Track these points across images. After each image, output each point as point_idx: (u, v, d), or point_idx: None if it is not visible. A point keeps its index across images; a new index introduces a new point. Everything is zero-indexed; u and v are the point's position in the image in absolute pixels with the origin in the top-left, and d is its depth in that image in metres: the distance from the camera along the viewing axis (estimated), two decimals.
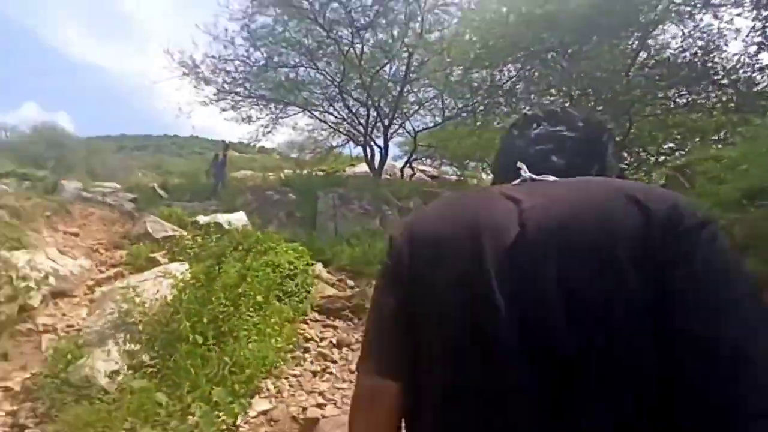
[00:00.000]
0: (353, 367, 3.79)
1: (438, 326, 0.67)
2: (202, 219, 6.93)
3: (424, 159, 21.42)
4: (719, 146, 11.74)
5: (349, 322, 5.18)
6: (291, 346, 3.94)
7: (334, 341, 4.35)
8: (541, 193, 0.68)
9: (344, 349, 4.19)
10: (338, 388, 3.33)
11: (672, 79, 10.67)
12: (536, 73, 12.25)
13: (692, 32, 10.69)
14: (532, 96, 13.60)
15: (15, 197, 6.54)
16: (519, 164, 0.78)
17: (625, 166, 13.59)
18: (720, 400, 0.52)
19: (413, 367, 0.69)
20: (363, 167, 17.98)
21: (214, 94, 14.01)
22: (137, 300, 3.80)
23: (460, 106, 15.14)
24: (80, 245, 5.93)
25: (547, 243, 0.61)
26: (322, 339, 4.39)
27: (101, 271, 5.33)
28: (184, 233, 6.42)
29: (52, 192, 9.81)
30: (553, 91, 13.31)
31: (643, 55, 11.16)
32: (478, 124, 14.99)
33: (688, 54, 10.71)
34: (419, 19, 13.27)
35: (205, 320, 3.54)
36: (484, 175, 22.67)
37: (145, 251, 5.77)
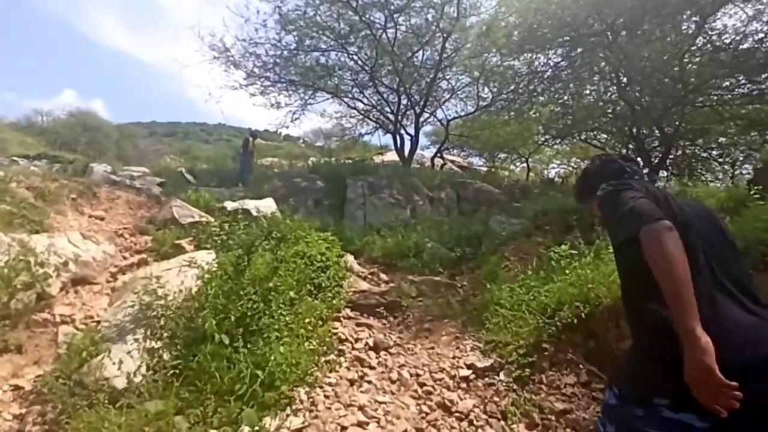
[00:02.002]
0: (394, 375, 3.40)
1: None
2: (229, 205, 6.62)
3: (451, 149, 20.81)
4: None
5: (384, 321, 4.79)
6: (325, 349, 3.57)
7: (371, 343, 3.95)
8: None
9: (382, 354, 3.79)
10: (380, 402, 2.93)
11: (732, 68, 9.80)
12: (581, 60, 11.45)
13: (756, 16, 9.74)
14: (571, 85, 12.87)
15: (42, 178, 6.35)
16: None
17: (671, 161, 12.77)
18: None
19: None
20: (391, 156, 17.54)
21: (244, 79, 13.74)
22: (160, 292, 3.48)
23: (496, 93, 14.48)
24: (105, 229, 5.69)
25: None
26: (356, 340, 4.00)
27: (125, 258, 5.06)
28: (211, 219, 6.12)
29: (81, 174, 9.71)
30: (596, 78, 12.55)
31: (700, 40, 10.28)
32: (512, 114, 14.35)
33: (751, 39, 9.80)
34: (455, 2, 12.63)
35: (232, 317, 3.19)
36: (512, 167, 21.96)
37: (170, 237, 5.49)
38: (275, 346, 2.94)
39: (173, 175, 12.39)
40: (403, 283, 5.68)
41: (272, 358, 2.82)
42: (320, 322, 3.95)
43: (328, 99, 15.69)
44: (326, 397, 2.97)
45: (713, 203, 5.15)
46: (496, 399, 3.05)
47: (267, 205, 6.97)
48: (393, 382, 3.30)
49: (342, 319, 4.51)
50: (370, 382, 3.26)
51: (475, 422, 2.81)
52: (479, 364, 3.45)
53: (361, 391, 3.10)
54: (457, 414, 2.89)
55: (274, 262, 3.72)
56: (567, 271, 3.83)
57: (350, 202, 11.02)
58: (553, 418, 2.79)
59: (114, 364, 2.89)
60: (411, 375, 3.38)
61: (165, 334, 3.23)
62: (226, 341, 3.00)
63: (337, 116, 17.21)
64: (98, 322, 3.61)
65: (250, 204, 6.78)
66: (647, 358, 1.30)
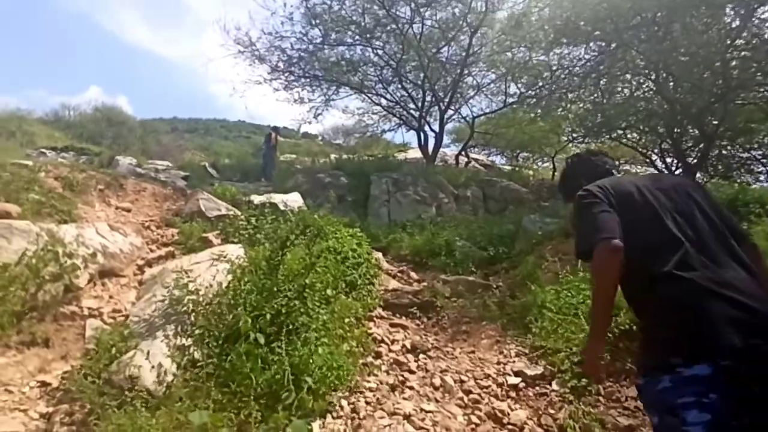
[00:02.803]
0: (436, 380, 3.17)
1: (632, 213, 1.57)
2: (256, 198, 6.47)
3: (473, 148, 20.40)
4: None
5: (419, 322, 4.57)
6: (362, 350, 3.36)
7: (408, 345, 3.73)
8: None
9: (421, 357, 3.56)
10: (427, 412, 2.70)
11: None
12: (617, 55, 11.00)
13: None
14: (603, 81, 12.42)
15: (70, 169, 6.29)
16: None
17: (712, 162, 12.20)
18: None
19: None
20: (413, 153, 17.29)
21: (269, 73, 13.65)
22: (191, 286, 3.31)
23: (524, 90, 14.11)
24: (131, 221, 5.59)
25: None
26: (393, 342, 3.79)
27: (152, 250, 4.94)
28: (238, 213, 5.97)
29: (107, 166, 9.70)
30: (629, 75, 12.08)
31: (745, 33, 9.76)
32: (539, 111, 13.96)
33: None
34: None
35: (267, 315, 3.00)
36: (535, 166, 21.44)
37: (197, 230, 5.36)
38: (314, 347, 2.73)
39: (197, 169, 12.38)
40: (436, 283, 5.46)
41: (312, 360, 2.62)
42: (356, 322, 3.75)
43: (351, 95, 15.53)
44: (367, 403, 2.76)
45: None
46: (551, 411, 2.80)
47: (294, 200, 6.81)
48: (436, 388, 3.07)
49: (375, 318, 4.30)
50: (411, 387, 3.04)
51: None
52: (528, 372, 3.20)
53: (404, 398, 2.88)
54: (509, 427, 2.65)
55: (308, 257, 3.53)
56: None
57: (374, 198, 10.83)
58: None
59: (146, 362, 2.73)
60: (455, 381, 3.15)
61: (196, 331, 3.06)
62: (261, 340, 2.81)
63: (360, 112, 17.05)
64: (126, 317, 3.47)
65: (277, 198, 6.62)
66: (656, 334, 1.45)
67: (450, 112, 15.56)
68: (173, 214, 6.09)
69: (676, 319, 1.37)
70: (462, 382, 3.16)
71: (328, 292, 3.40)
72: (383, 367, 3.26)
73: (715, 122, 10.59)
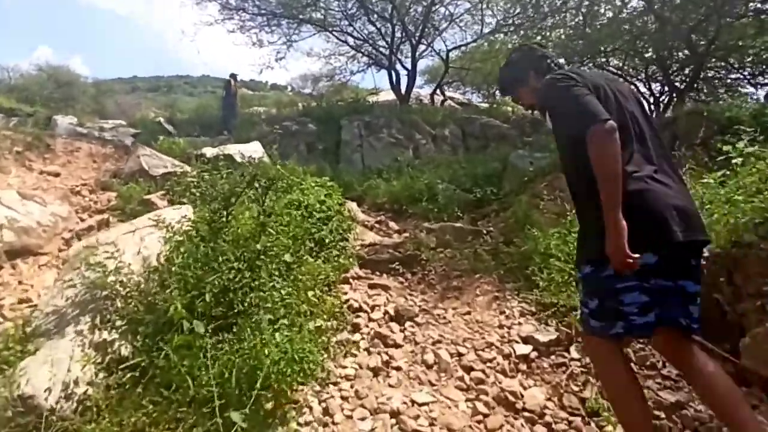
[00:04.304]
0: (429, 357, 2.58)
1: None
2: (209, 151, 5.63)
3: (449, 85, 19.32)
4: None
5: (402, 280, 3.98)
6: (336, 325, 2.75)
7: (391, 311, 3.13)
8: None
9: (408, 325, 2.97)
10: (420, 405, 2.13)
11: None
12: None
13: None
14: (585, 3, 11.49)
15: None
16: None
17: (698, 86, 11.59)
18: None
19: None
20: (386, 96, 16.24)
21: (219, 12, 12.24)
22: (111, 265, 2.60)
23: (500, 18, 13.06)
24: (58, 186, 4.74)
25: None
26: (373, 308, 3.18)
27: (81, 220, 4.16)
28: (188, 169, 5.15)
29: (44, 128, 8.56)
30: None
31: None
32: (516, 40, 13.01)
33: None
34: None
35: (207, 296, 2.33)
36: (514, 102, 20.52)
37: (138, 192, 4.58)
38: (268, 332, 2.09)
39: (150, 126, 11.21)
40: (419, 232, 4.84)
41: (266, 351, 1.98)
42: (327, 289, 3.11)
43: (315, 34, 14.19)
44: (344, 398, 2.16)
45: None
46: (573, 387, 2.27)
47: (253, 150, 5.98)
48: (429, 366, 2.49)
49: (351, 280, 3.68)
50: (399, 368, 2.45)
51: (554, 426, 2.03)
52: (540, 337, 2.64)
53: (390, 385, 2.29)
54: (526, 414, 2.10)
55: (261, 216, 2.83)
56: None
57: (346, 144, 10.03)
58: (663, 415, 2.01)
59: (46, 371, 2.05)
60: (451, 355, 2.58)
61: (119, 323, 2.38)
62: (201, 329, 2.15)
63: (326, 54, 15.72)
64: (35, 306, 2.75)
65: (233, 149, 5.79)
66: (604, 228, 1.45)
67: (422, 47, 14.45)
68: (111, 175, 5.24)
69: (626, 214, 1.41)
70: (460, 355, 2.58)
71: (287, 257, 2.72)
72: (362, 344, 2.66)
73: (707, 40, 9.90)
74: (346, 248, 4.11)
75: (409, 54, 14.02)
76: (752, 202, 2.60)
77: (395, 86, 13.84)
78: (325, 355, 2.40)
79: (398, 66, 14.15)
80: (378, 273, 4.11)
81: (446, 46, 14.57)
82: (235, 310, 2.36)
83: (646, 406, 1.56)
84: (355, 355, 2.55)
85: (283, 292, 2.45)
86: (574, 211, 3.83)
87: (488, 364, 2.49)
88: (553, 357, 2.51)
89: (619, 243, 1.38)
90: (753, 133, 3.65)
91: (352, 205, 5.81)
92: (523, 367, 2.49)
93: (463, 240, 4.53)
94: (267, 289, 2.42)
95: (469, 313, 3.23)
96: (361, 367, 2.42)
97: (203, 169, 5.10)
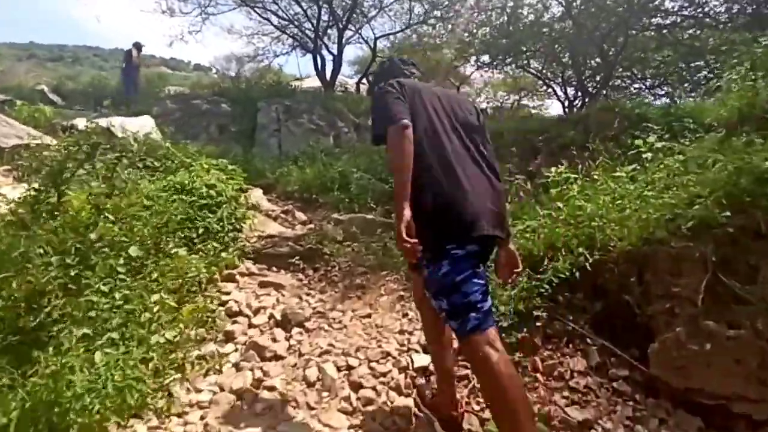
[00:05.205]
0: (311, 372, 2.12)
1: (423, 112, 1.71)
2: (81, 123, 4.76)
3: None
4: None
5: (302, 276, 3.52)
6: (204, 333, 2.22)
7: (277, 315, 2.66)
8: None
9: (295, 332, 2.50)
10: None
11: None
12: None
13: None
14: (509, 4, 11.68)
15: None
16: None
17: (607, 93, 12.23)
18: None
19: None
20: (310, 83, 15.57)
21: None
22: None
23: (429, 9, 12.92)
24: None
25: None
26: (257, 311, 2.69)
27: None
28: (49, 141, 4.29)
29: None
30: None
31: None
32: (445, 35, 13.02)
33: None
34: None
35: (21, 304, 1.72)
36: None
37: None
38: (78, 351, 1.54)
39: (28, 95, 9.68)
40: (326, 224, 4.40)
41: (69, 378, 1.43)
42: (199, 290, 2.57)
43: (235, 8, 13.17)
44: None
45: None
46: (474, 406, 1.95)
47: (141, 124, 5.17)
48: (311, 384, 2.05)
49: (240, 277, 3.16)
50: (272, 388, 1.98)
51: None
52: None
53: (256, 414, 1.83)
54: None
55: (99, 195, 2.22)
56: (560, 204, 2.73)
57: (262, 128, 9.32)
58: None
59: None
60: (339, 369, 2.16)
61: None
62: None
63: (248, 33, 14.69)
64: None
65: (116, 121, 4.95)
66: (429, 225, 1.54)
67: (349, 33, 13.98)
68: None
69: (444, 213, 1.57)
70: (350, 369, 2.18)
71: (132, 251, 2.15)
72: (233, 358, 2.16)
73: (616, 50, 10.40)
74: (236, 240, 3.57)
75: (336, 39, 13.49)
76: (662, 198, 2.47)
77: (320, 72, 13.25)
78: (175, 376, 1.87)
79: (324, 51, 13.56)
80: (275, 269, 3.63)
81: (374, 34, 14.19)
82: (48, 328, 1.77)
83: (527, 401, 1.54)
84: (220, 373, 2.05)
85: (117, 296, 1.88)
86: None
87: (381, 380, 2.11)
88: (455, 368, 2.18)
89: (399, 229, 1.45)
90: (660, 131, 3.65)
91: (257, 192, 5.26)
92: (420, 381, 2.14)
93: (372, 233, 4.15)
94: (92, 292, 1.84)
95: (369, 315, 2.84)
96: (222, 389, 1.93)
97: (69, 143, 4.26)
